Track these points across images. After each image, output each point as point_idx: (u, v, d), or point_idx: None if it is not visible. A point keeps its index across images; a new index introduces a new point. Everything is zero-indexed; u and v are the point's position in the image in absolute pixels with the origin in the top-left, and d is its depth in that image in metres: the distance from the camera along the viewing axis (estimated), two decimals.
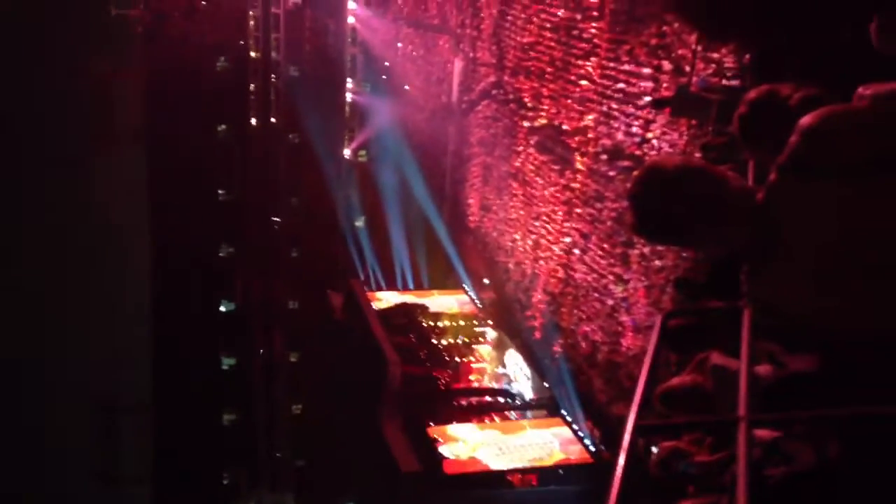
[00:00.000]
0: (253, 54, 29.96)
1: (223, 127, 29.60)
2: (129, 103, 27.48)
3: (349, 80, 29.74)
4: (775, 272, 2.07)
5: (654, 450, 3.40)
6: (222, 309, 30.30)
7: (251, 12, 29.37)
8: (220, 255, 30.24)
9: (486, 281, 23.01)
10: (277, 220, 30.81)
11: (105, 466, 27.03)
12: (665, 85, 13.44)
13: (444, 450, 17.55)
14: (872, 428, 2.24)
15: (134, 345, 27.34)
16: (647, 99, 13.96)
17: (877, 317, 1.97)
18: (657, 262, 14.39)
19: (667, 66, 13.51)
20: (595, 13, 15.84)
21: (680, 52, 13.05)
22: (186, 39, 28.01)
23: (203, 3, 28.79)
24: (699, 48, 11.08)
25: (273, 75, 30.06)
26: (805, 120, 2.02)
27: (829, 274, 1.98)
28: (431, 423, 18.42)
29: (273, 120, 30.37)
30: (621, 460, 2.23)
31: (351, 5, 28.54)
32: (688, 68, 12.07)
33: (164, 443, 27.48)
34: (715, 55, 11.43)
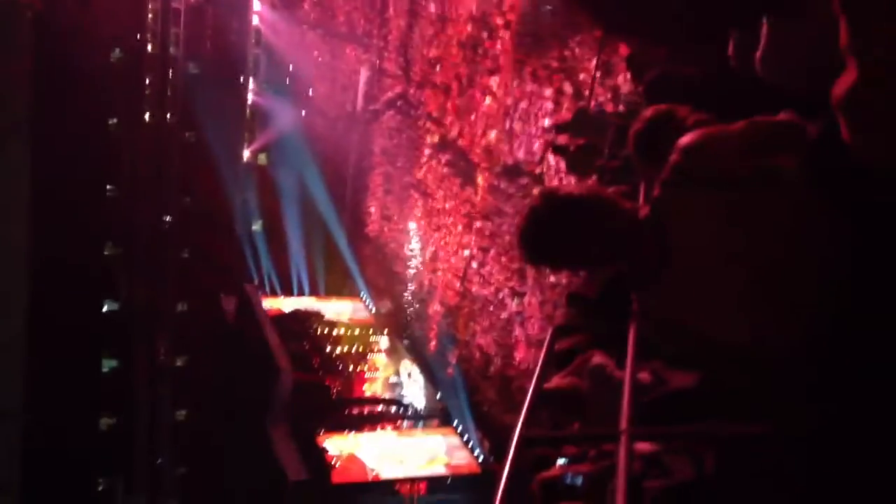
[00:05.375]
0: (150, 48, 28.95)
1: (114, 121, 28.40)
2: (13, 95, 25.94)
3: (251, 80, 29.17)
4: (662, 286, 2.16)
5: (561, 461, 3.48)
6: (105, 309, 29.00)
7: (150, 5, 28.39)
8: (105, 252, 28.96)
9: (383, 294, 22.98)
10: (168, 219, 29.78)
11: None
12: (566, 106, 13.84)
13: (333, 459, 17.36)
14: (746, 444, 2.36)
15: (5, 345, 25.70)
16: (548, 121, 14.33)
17: (752, 327, 2.07)
18: (552, 278, 14.74)
19: (567, 88, 13.92)
20: (500, 32, 16.16)
21: (580, 77, 13.47)
22: (80, 29, 26.77)
23: None
24: (598, 74, 11.49)
25: (170, 71, 29.12)
26: (683, 139, 2.14)
27: (708, 284, 2.08)
28: (321, 432, 18.20)
29: (168, 116, 29.39)
30: (506, 471, 2.27)
31: (256, 6, 28.05)
32: (587, 92, 12.47)
33: (34, 448, 25.96)
34: (612, 82, 11.87)
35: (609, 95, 11.97)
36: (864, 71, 1.55)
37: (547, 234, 2.15)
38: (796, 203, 1.99)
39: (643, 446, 2.84)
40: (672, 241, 2.10)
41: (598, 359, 3.20)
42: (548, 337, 3.28)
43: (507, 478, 2.24)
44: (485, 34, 16.84)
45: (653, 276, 2.16)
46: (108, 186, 28.68)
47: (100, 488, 27.88)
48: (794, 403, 2.06)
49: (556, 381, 3.31)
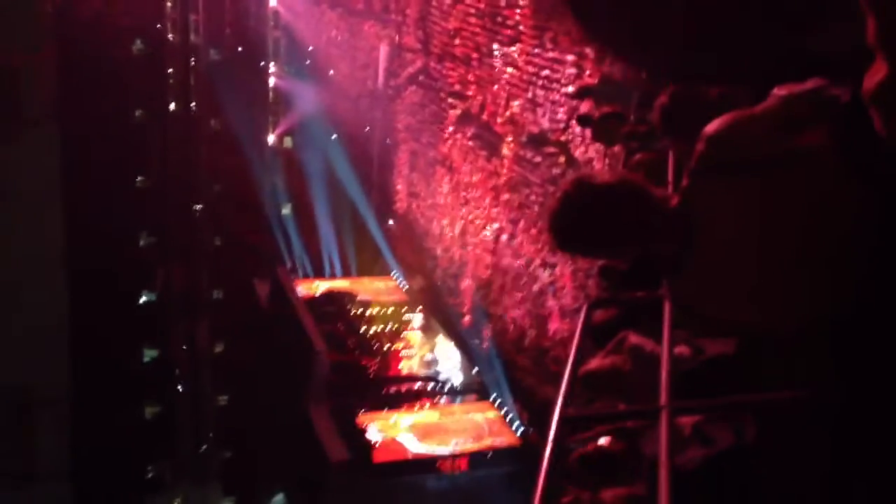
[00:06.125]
0: (171, 37, 29.07)
1: (139, 112, 28.63)
2: (39, 88, 26.23)
3: (272, 64, 29.18)
4: (690, 275, 2.13)
5: (603, 440, 3.48)
6: (143, 299, 29.48)
7: None
8: (140, 243, 29.37)
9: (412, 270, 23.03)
10: (199, 207, 30.08)
11: (18, 464, 25.92)
12: (588, 72, 13.63)
13: (373, 438, 17.54)
14: (787, 410, 2.33)
15: (49, 337, 26.26)
16: (571, 88, 14.14)
17: (784, 313, 2.04)
18: None
19: (590, 52, 13.70)
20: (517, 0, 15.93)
21: None
22: (100, 21, 26.95)
23: None
24: None
25: (192, 59, 29.24)
26: (709, 127, 2.09)
27: (736, 270, 2.04)
28: (360, 412, 18.37)
29: (193, 105, 29.56)
30: (547, 452, 2.26)
31: None
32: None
33: (83, 437, 26.62)
34: None
35: None
36: (894, 65, 1.53)
37: (578, 222, 2.12)
38: (825, 182, 1.94)
39: (683, 418, 2.82)
40: (699, 231, 2.07)
41: (634, 339, 3.18)
42: (582, 313, 3.25)
43: (549, 460, 2.23)
44: (503, 2, 16.63)
45: (679, 265, 2.13)
46: (138, 178, 29.00)
47: (148, 476, 28.52)
48: (824, 378, 2.03)
49: (595, 363, 3.30)
